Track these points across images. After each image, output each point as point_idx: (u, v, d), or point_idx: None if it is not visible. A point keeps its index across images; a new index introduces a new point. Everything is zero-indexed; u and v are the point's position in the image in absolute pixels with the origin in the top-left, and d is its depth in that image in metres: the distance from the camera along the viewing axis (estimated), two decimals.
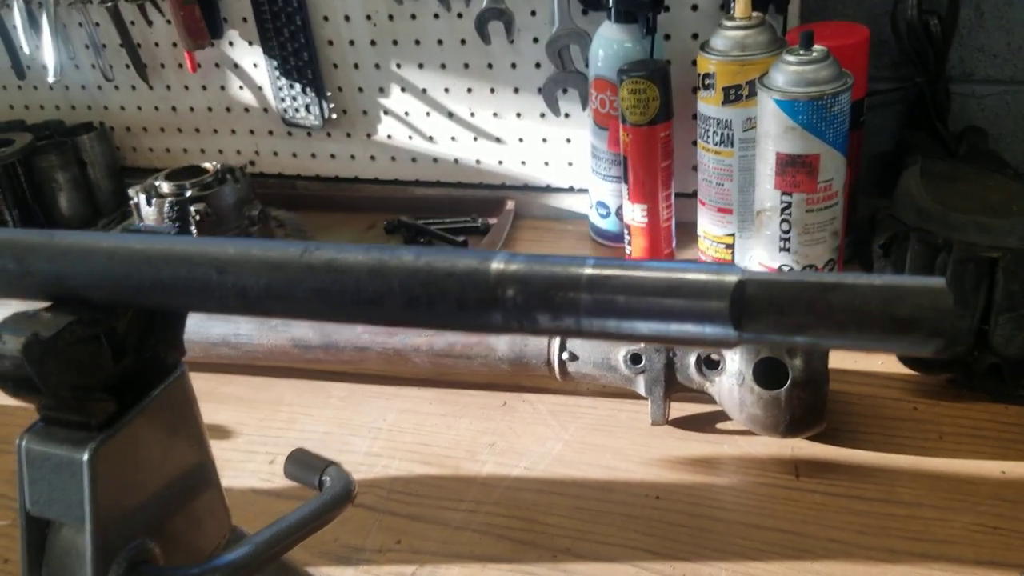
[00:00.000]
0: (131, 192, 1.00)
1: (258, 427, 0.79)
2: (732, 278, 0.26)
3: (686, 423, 0.73)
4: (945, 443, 0.67)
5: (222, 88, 1.19)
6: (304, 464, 0.46)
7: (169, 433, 0.39)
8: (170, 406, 0.39)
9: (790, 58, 0.74)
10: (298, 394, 0.82)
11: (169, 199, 0.97)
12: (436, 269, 0.29)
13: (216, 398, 0.84)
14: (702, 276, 0.27)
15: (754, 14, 0.80)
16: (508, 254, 0.29)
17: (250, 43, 1.14)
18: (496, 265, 0.29)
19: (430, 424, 0.77)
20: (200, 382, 0.85)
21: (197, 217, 0.96)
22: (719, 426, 0.72)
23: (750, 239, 0.86)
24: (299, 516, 0.41)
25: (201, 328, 0.82)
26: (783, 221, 0.77)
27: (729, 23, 0.81)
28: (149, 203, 0.98)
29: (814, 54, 0.73)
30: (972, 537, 0.59)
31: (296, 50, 1.11)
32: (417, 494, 0.69)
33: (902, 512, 0.62)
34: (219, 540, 0.43)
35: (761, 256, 0.81)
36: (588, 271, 0.28)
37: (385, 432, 0.76)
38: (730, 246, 0.88)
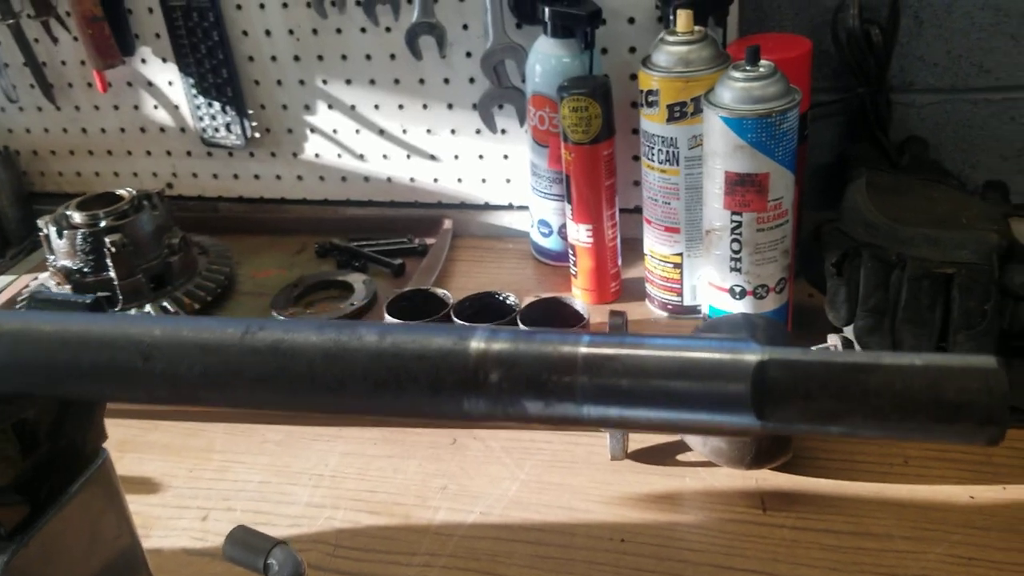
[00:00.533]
0: (40, 223, 0.93)
1: (188, 479, 0.73)
2: (752, 357, 0.23)
3: (646, 456, 0.70)
4: (911, 468, 0.66)
5: (136, 108, 1.13)
6: (246, 545, 0.41)
7: (92, 528, 0.34)
8: (92, 499, 0.34)
9: (736, 74, 0.71)
10: (230, 440, 0.77)
11: (82, 231, 0.90)
12: (405, 351, 0.25)
13: (140, 447, 0.77)
14: (717, 355, 0.23)
15: (696, 28, 0.78)
16: (489, 330, 0.25)
17: (164, 60, 1.07)
18: (476, 344, 0.25)
19: (376, 468, 0.72)
20: (122, 430, 0.79)
21: (113, 249, 0.89)
22: (680, 458, 0.69)
23: (699, 258, 0.83)
24: None
25: None
26: (733, 240, 0.75)
27: (671, 38, 0.78)
28: (60, 235, 0.91)
29: (761, 69, 0.71)
30: (947, 570, 0.58)
31: (214, 67, 1.05)
32: (366, 548, 0.64)
33: (873, 545, 0.60)
34: None
35: (711, 276, 0.78)
36: (584, 350, 0.24)
37: (327, 479, 0.71)
38: (678, 266, 0.85)
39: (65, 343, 0.28)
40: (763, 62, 0.71)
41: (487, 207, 1.06)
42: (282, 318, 0.92)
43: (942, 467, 0.65)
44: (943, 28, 0.87)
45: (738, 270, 0.76)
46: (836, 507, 0.63)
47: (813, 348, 0.22)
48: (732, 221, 0.74)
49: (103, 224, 0.91)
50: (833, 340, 0.75)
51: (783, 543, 0.61)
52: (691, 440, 0.66)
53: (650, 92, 0.79)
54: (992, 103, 0.89)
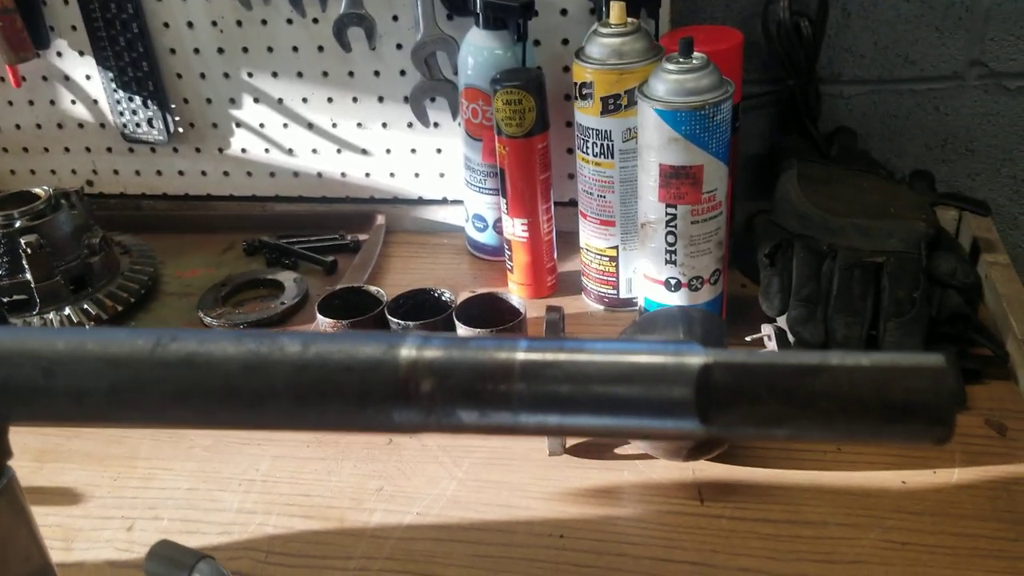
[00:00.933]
0: None
1: (112, 487, 0.70)
2: (696, 361, 0.22)
3: (584, 450, 0.69)
4: (844, 455, 0.66)
5: (52, 103, 1.08)
6: (169, 560, 0.39)
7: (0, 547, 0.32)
8: None
9: (670, 66, 0.71)
10: (156, 446, 0.74)
11: None
12: (330, 362, 0.24)
13: (61, 456, 0.74)
14: (659, 359, 0.22)
15: (629, 20, 0.77)
16: (421, 337, 0.24)
17: (81, 53, 1.03)
18: (407, 353, 0.24)
19: (309, 471, 0.70)
20: (41, 439, 0.76)
21: (29, 251, 0.86)
22: (618, 451, 0.69)
23: (634, 251, 0.83)
24: None
25: None
26: (668, 233, 0.75)
27: (604, 30, 0.77)
28: None
29: (694, 62, 0.71)
30: (881, 555, 0.58)
31: (134, 60, 1.01)
32: (299, 554, 0.63)
33: (809, 533, 0.61)
34: None
35: (647, 268, 0.78)
36: (522, 356, 0.23)
37: (259, 484, 0.69)
38: (614, 259, 0.85)
39: None
40: (696, 54, 0.71)
41: (421, 202, 1.04)
42: (209, 319, 0.89)
43: (873, 454, 0.66)
44: (870, 19, 0.88)
45: (673, 262, 0.76)
46: (772, 496, 0.63)
47: (754, 342, 0.21)
48: (667, 214, 0.74)
49: (18, 224, 0.87)
50: (767, 330, 0.76)
51: (721, 533, 0.61)
52: None
53: (584, 84, 0.78)
54: (917, 93, 0.91)
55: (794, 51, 0.88)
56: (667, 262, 0.76)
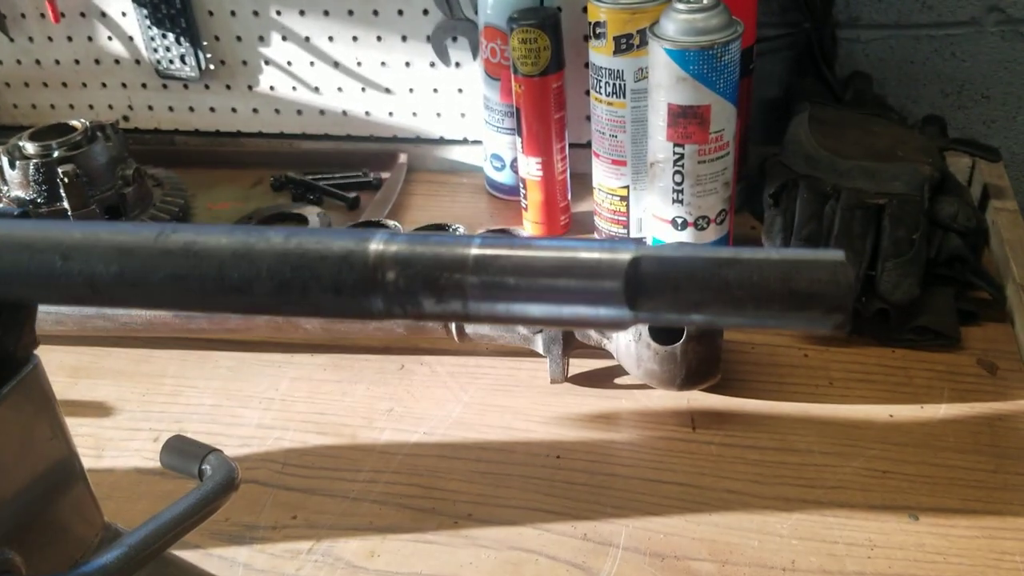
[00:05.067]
0: None
1: (140, 402, 0.75)
2: (625, 256, 0.24)
3: (584, 379, 0.72)
4: (835, 389, 0.69)
5: (89, 39, 1.11)
6: (182, 452, 0.43)
7: (25, 431, 0.36)
8: (24, 402, 0.35)
9: (680, 6, 0.72)
10: (182, 366, 0.78)
11: (34, 161, 0.90)
12: (308, 252, 0.27)
13: (94, 373, 0.79)
14: (595, 255, 0.25)
15: None
16: (388, 233, 0.27)
17: None
18: (375, 246, 0.26)
19: (324, 392, 0.74)
20: (75, 357, 0.81)
21: (66, 180, 0.89)
22: (617, 381, 0.72)
23: (644, 191, 0.85)
24: (177, 511, 0.38)
25: None
26: (676, 172, 0.77)
27: None
28: (12, 166, 0.91)
29: (704, 2, 0.72)
30: (863, 482, 0.61)
31: None
32: (313, 466, 0.67)
33: (795, 460, 0.63)
34: (91, 541, 0.40)
35: (655, 207, 0.80)
36: (475, 251, 0.26)
37: (277, 402, 0.73)
38: (625, 198, 0.87)
39: None
40: None
41: (442, 141, 1.07)
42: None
43: (864, 388, 0.68)
44: None
45: (680, 201, 0.78)
46: (762, 425, 0.66)
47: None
48: (674, 153, 0.76)
49: (56, 154, 0.91)
50: None
51: (710, 458, 0.64)
52: (626, 363, 0.68)
53: (597, 24, 0.80)
54: (934, 39, 0.91)
55: None
56: (674, 201, 0.78)
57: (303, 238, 0.27)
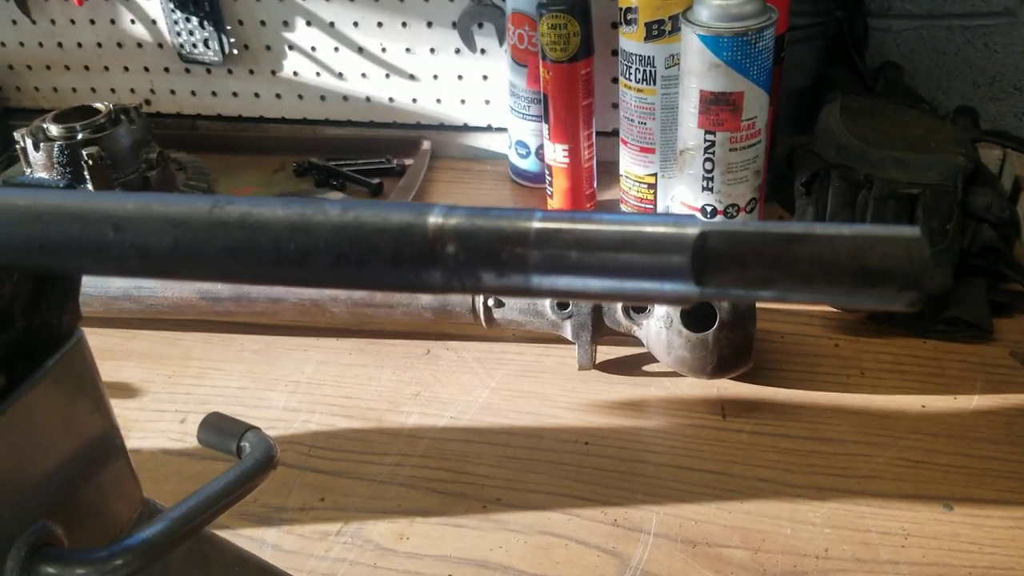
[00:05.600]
0: (17, 136, 0.92)
1: (166, 384, 0.75)
2: (693, 230, 0.24)
3: (613, 367, 0.72)
4: (866, 379, 0.68)
5: (112, 22, 1.11)
6: (219, 429, 0.43)
7: (68, 404, 0.35)
8: (67, 375, 0.35)
9: None
10: (208, 348, 0.78)
11: (58, 143, 0.90)
12: (366, 224, 0.26)
13: (119, 355, 0.79)
14: (661, 229, 0.24)
15: None
16: (447, 207, 0.26)
17: None
18: (434, 219, 0.26)
19: (351, 376, 0.74)
20: (101, 339, 0.81)
21: (90, 162, 0.89)
22: (646, 368, 0.71)
23: (673, 179, 0.85)
24: (217, 487, 0.38)
25: (99, 282, 0.77)
26: (706, 160, 0.76)
27: None
28: (37, 147, 0.91)
29: None
30: (896, 471, 0.60)
31: None
32: (340, 449, 0.67)
33: (827, 449, 0.63)
34: (130, 516, 0.40)
35: (684, 195, 0.79)
36: (537, 224, 0.25)
37: (303, 385, 0.73)
38: (652, 186, 0.86)
39: (38, 216, 0.29)
40: None
41: (466, 128, 1.06)
42: None
43: (896, 378, 0.68)
44: None
45: (710, 189, 0.77)
46: (793, 414, 0.66)
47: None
48: (705, 140, 0.75)
49: (80, 137, 0.91)
50: None
51: (740, 446, 0.63)
52: (656, 350, 0.68)
53: (629, 10, 0.79)
54: (967, 30, 0.90)
55: None
56: (704, 189, 0.78)
57: (361, 211, 0.26)
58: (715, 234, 0.24)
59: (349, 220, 0.26)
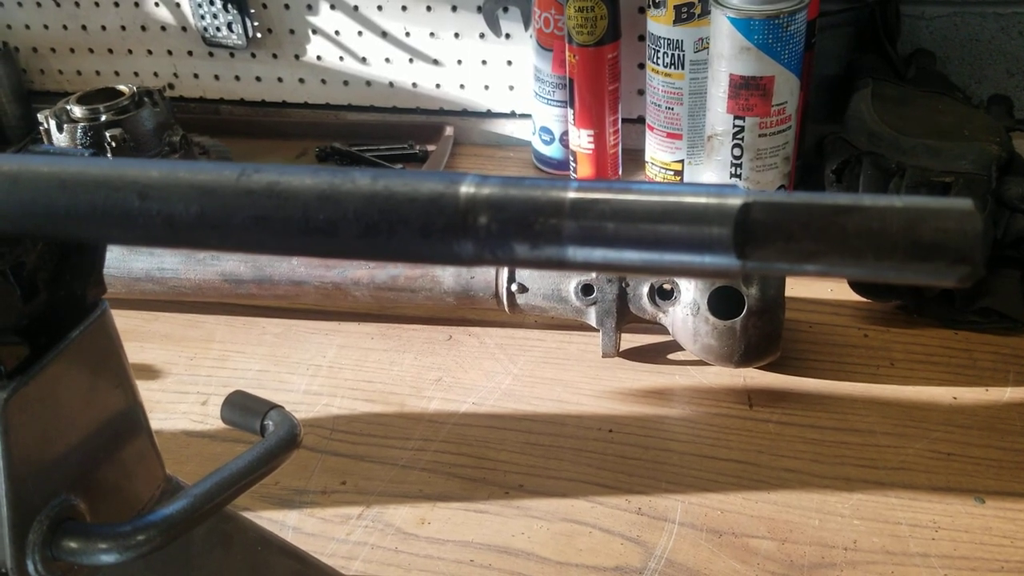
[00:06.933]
0: (41, 117, 0.92)
1: (188, 366, 0.75)
2: (736, 201, 0.23)
3: (637, 354, 0.71)
4: (896, 370, 0.67)
5: (136, 5, 1.11)
6: (243, 408, 0.42)
7: (91, 377, 0.35)
8: (91, 348, 0.35)
9: None
10: (230, 331, 0.78)
11: (82, 124, 0.90)
12: (397, 194, 0.26)
13: (141, 336, 0.79)
14: (702, 199, 0.24)
15: None
16: (479, 177, 0.26)
17: None
18: (466, 189, 0.25)
19: (372, 360, 0.73)
20: (123, 320, 0.80)
21: (113, 144, 0.89)
22: (671, 357, 0.71)
23: (700, 165, 0.83)
24: (241, 464, 0.37)
25: (122, 263, 0.77)
26: (735, 146, 0.75)
27: None
28: (60, 129, 0.91)
29: None
30: (926, 463, 0.59)
31: None
32: (361, 433, 0.66)
33: (856, 440, 0.62)
34: (152, 492, 0.39)
35: (712, 181, 0.78)
36: (572, 195, 0.25)
37: (325, 369, 0.73)
38: (679, 172, 0.85)
39: (63, 184, 0.28)
40: None
41: (489, 114, 1.05)
42: None
43: (927, 369, 0.67)
44: None
45: (738, 176, 0.76)
46: (821, 404, 0.65)
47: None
48: (735, 126, 0.74)
49: (104, 118, 0.91)
50: None
51: (767, 436, 0.62)
52: (682, 338, 0.67)
53: None
54: (1002, 17, 0.88)
55: None
56: (732, 175, 0.77)
57: (391, 180, 0.26)
58: (759, 205, 0.23)
59: (379, 189, 0.26)
